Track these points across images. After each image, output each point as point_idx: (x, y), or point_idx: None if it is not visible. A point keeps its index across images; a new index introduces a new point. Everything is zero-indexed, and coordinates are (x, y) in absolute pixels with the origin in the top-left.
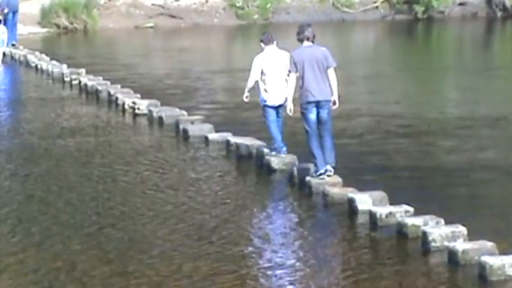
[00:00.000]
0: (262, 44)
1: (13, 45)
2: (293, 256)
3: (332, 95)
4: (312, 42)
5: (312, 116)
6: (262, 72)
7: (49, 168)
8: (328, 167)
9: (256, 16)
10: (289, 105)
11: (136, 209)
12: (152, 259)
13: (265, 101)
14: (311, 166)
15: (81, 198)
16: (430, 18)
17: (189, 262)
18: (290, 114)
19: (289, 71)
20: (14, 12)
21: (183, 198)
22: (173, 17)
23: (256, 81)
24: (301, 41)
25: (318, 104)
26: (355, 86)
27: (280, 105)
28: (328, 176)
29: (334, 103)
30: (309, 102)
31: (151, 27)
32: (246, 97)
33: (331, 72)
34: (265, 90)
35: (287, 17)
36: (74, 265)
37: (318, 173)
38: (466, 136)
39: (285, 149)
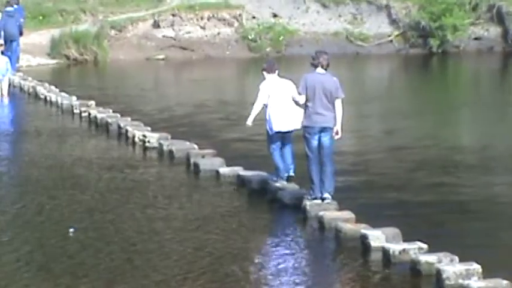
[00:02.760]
0: (264, 73)
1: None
2: None
3: (335, 124)
4: (325, 70)
5: (315, 141)
6: (269, 101)
7: (46, 202)
8: (327, 194)
9: (268, 49)
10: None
11: (145, 245)
12: None
13: (272, 129)
14: (321, 202)
15: (88, 235)
16: (445, 52)
17: None
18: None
19: (299, 93)
20: (12, 41)
21: (193, 235)
22: (184, 49)
23: (264, 106)
24: (315, 66)
25: (321, 130)
26: (370, 120)
27: (287, 132)
28: (327, 203)
29: (337, 133)
30: (313, 128)
31: (163, 59)
32: (251, 122)
33: (338, 103)
34: (272, 117)
35: (300, 50)
36: None
37: (313, 197)
38: (482, 170)
39: (286, 176)
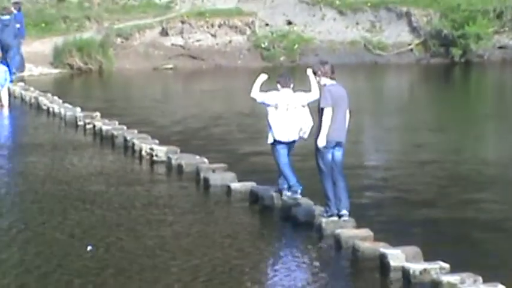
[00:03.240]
0: (278, 85)
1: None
2: None
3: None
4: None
5: (329, 156)
6: (276, 107)
7: (50, 221)
8: (344, 211)
9: (282, 58)
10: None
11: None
12: None
13: (276, 138)
14: (338, 219)
15: (106, 253)
16: (468, 62)
17: None
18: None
19: (322, 108)
20: (7, 51)
21: (205, 253)
22: (194, 58)
23: (259, 100)
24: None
25: (336, 145)
26: (394, 133)
27: (292, 142)
28: (344, 220)
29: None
30: (330, 142)
31: (171, 68)
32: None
33: (348, 113)
34: (277, 126)
35: (316, 59)
36: None
37: (329, 214)
38: (509, 187)
39: (300, 190)
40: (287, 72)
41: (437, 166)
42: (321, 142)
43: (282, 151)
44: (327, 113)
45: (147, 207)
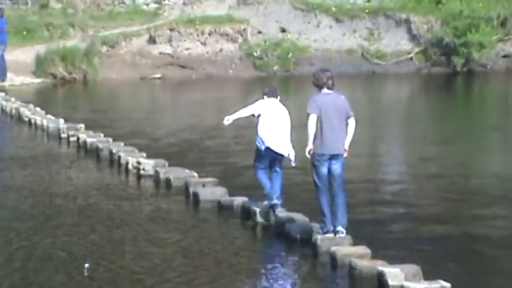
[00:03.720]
0: (265, 97)
1: None
2: None
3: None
4: (331, 89)
5: (324, 169)
6: (263, 117)
7: (33, 244)
8: (340, 228)
9: (276, 67)
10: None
11: None
12: None
13: (263, 143)
14: (333, 236)
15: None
16: (471, 71)
17: None
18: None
19: (308, 113)
20: None
21: (195, 272)
22: (183, 67)
23: (254, 117)
24: (319, 87)
25: (331, 157)
26: (397, 146)
27: (278, 155)
28: (340, 237)
29: (345, 150)
30: (323, 155)
31: (159, 78)
32: (228, 120)
33: (351, 122)
34: (264, 133)
35: (311, 69)
36: None
37: (324, 231)
38: None
39: (275, 196)
40: (274, 84)
41: (444, 180)
42: (306, 150)
43: (262, 157)
44: (311, 119)
45: (132, 224)
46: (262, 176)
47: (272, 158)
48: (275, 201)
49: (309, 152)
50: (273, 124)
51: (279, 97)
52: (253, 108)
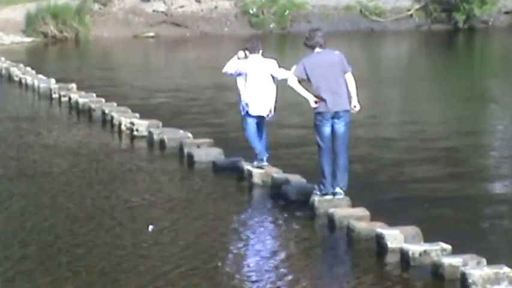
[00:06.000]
0: (246, 52)
1: None
2: None
3: (350, 102)
4: (323, 47)
5: (327, 129)
6: (246, 79)
7: (21, 208)
8: (338, 189)
9: (272, 25)
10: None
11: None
12: None
13: (247, 111)
14: (332, 197)
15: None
16: (472, 28)
17: None
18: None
19: (295, 75)
20: None
21: (190, 236)
22: (177, 25)
23: (232, 71)
24: (312, 47)
25: (333, 116)
26: (387, 107)
27: (263, 117)
28: (338, 199)
29: (355, 106)
30: (323, 114)
31: (153, 36)
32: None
33: (349, 77)
34: (248, 99)
35: (307, 26)
36: None
37: (323, 193)
38: None
39: (265, 158)
40: (255, 36)
41: (447, 142)
42: (311, 103)
43: (250, 121)
44: (290, 80)
45: (125, 186)
46: (254, 141)
47: (257, 120)
48: (265, 162)
49: (315, 102)
50: (255, 88)
51: (261, 51)
52: (238, 66)
